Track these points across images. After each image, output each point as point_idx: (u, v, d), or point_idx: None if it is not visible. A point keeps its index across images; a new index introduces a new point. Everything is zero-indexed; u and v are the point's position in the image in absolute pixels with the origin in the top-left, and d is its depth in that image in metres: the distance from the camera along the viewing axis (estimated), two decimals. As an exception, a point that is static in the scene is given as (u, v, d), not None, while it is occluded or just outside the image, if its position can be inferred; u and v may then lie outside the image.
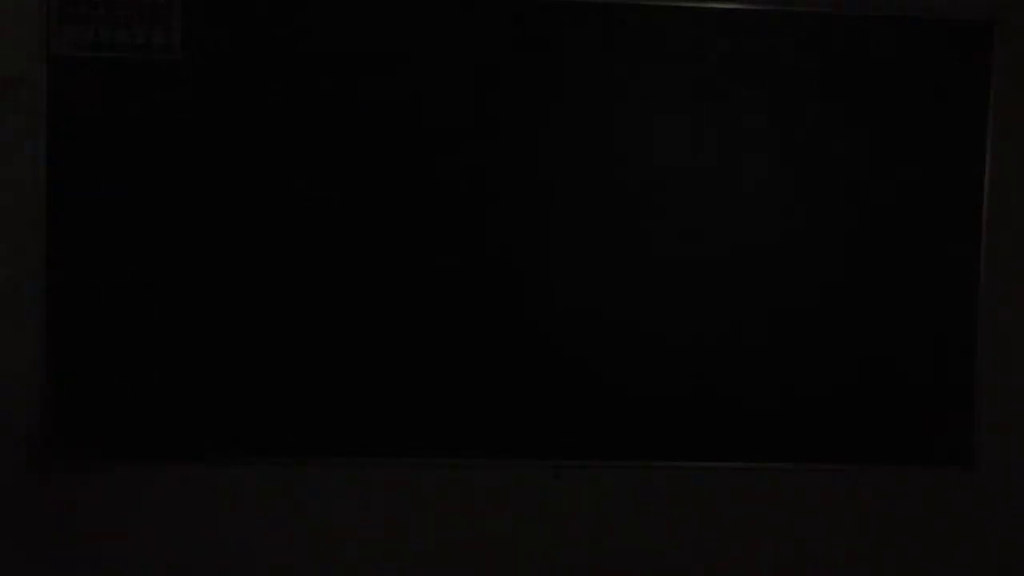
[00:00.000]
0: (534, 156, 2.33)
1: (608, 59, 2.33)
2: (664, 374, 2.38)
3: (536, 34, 2.32)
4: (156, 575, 2.37)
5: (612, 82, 2.33)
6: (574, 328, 2.35)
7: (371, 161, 2.31)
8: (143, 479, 2.36)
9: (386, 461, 2.35)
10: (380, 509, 2.41)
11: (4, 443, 2.32)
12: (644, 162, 2.35)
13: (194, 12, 2.26)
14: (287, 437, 2.32)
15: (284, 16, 2.27)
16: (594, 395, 2.37)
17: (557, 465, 2.39)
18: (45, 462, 2.27)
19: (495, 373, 2.35)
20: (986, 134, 2.40)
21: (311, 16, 2.28)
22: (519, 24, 2.31)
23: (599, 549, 2.45)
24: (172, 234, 2.28)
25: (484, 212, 2.33)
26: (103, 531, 2.36)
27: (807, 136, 2.37)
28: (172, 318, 2.28)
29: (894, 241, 2.39)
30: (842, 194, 2.38)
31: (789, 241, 2.38)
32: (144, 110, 2.26)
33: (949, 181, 2.40)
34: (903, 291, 2.40)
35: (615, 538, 2.45)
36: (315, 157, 2.30)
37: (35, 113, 2.24)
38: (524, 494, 2.43)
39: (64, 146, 2.25)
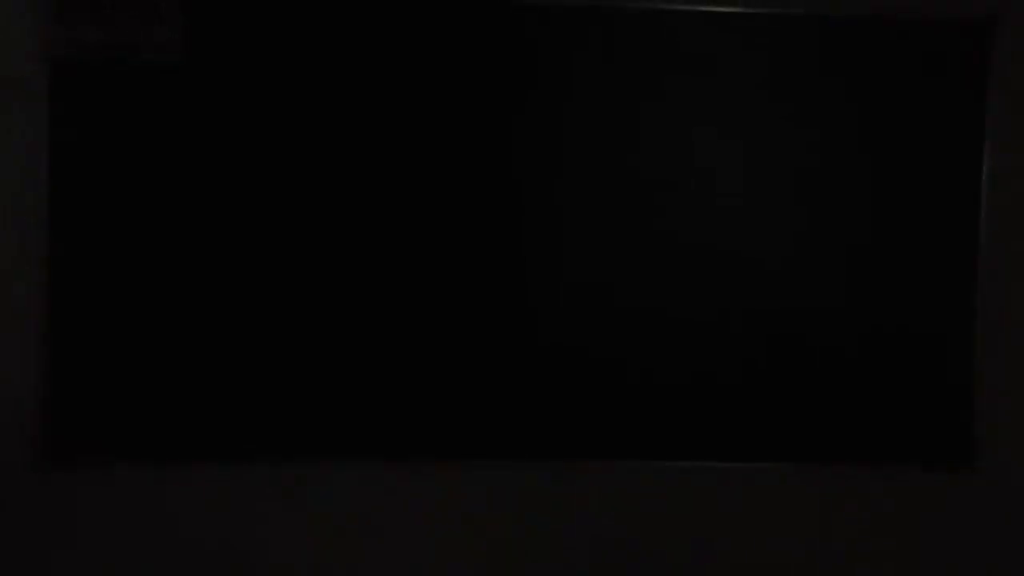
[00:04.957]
0: (540, 156, 2.34)
1: (611, 60, 2.33)
2: (664, 374, 2.38)
3: (546, 37, 2.32)
4: (156, 575, 2.37)
5: (615, 84, 2.34)
6: (574, 329, 2.36)
7: (375, 159, 2.31)
8: (143, 479, 2.36)
9: (387, 461, 2.35)
10: (381, 509, 2.41)
11: (4, 443, 2.32)
12: (646, 162, 2.35)
13: (195, 12, 2.26)
14: (288, 437, 2.32)
15: (285, 15, 2.28)
16: (595, 396, 2.37)
17: (557, 465, 2.40)
18: (45, 462, 2.28)
19: (496, 374, 2.35)
20: (985, 134, 2.40)
21: (313, 15, 2.28)
22: (528, 26, 2.32)
23: (599, 549, 2.45)
24: (173, 235, 2.28)
25: (483, 216, 2.33)
26: (103, 531, 2.36)
27: (806, 136, 2.37)
28: (172, 318, 2.29)
29: (893, 240, 2.40)
30: (841, 193, 2.38)
31: (789, 240, 2.38)
32: (145, 110, 2.26)
33: (948, 180, 2.40)
34: (902, 290, 2.40)
35: (615, 538, 2.45)
36: (317, 156, 2.30)
37: (36, 114, 2.24)
38: (524, 494, 2.43)
39: (65, 147, 2.25)
